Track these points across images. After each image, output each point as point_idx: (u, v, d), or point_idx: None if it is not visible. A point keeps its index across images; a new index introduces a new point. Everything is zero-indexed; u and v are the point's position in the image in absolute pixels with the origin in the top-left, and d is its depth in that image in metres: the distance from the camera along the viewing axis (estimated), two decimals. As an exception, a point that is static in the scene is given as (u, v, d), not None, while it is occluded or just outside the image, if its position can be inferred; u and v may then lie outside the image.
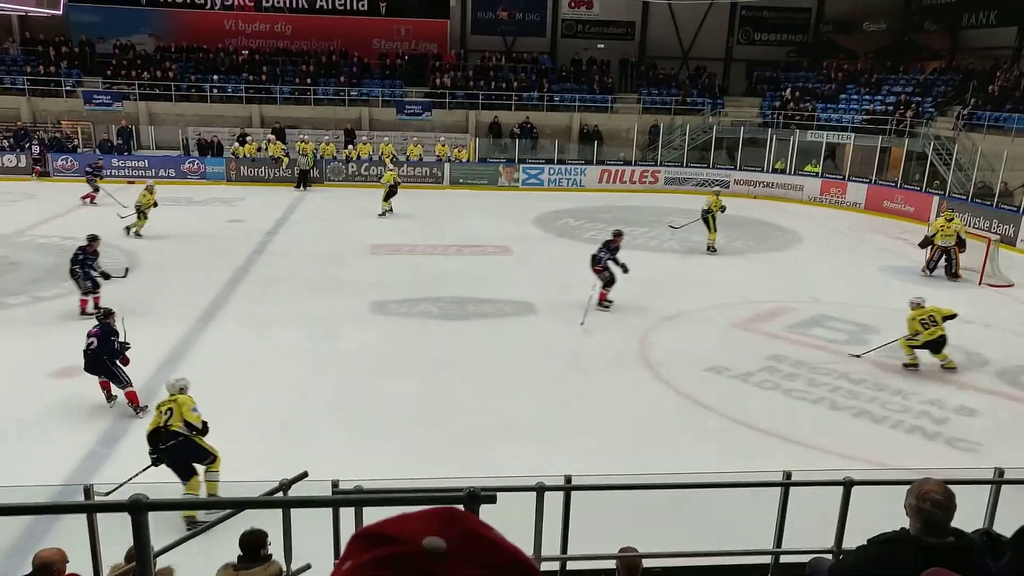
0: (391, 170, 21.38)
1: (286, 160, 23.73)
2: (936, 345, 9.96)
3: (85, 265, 11.32)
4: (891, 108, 25.81)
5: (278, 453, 7.40)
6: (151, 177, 23.42)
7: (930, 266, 15.29)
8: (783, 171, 24.91)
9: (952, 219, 15.29)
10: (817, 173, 24.16)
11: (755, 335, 11.44)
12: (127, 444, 7.63)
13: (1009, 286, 14.57)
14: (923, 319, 9.99)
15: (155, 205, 16.81)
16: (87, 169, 21.14)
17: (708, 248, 16.90)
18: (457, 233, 17.87)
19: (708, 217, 16.82)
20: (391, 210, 19.92)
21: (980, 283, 14.65)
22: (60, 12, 12.16)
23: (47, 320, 11.15)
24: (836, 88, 28.18)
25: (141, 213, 16.59)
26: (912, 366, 10.09)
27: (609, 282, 12.47)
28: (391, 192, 19.98)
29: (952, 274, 15.07)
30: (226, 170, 23.86)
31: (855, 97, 27.38)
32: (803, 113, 26.82)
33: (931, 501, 2.62)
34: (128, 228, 16.63)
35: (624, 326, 11.55)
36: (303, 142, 24.19)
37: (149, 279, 13.41)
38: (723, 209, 16.91)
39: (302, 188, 23.21)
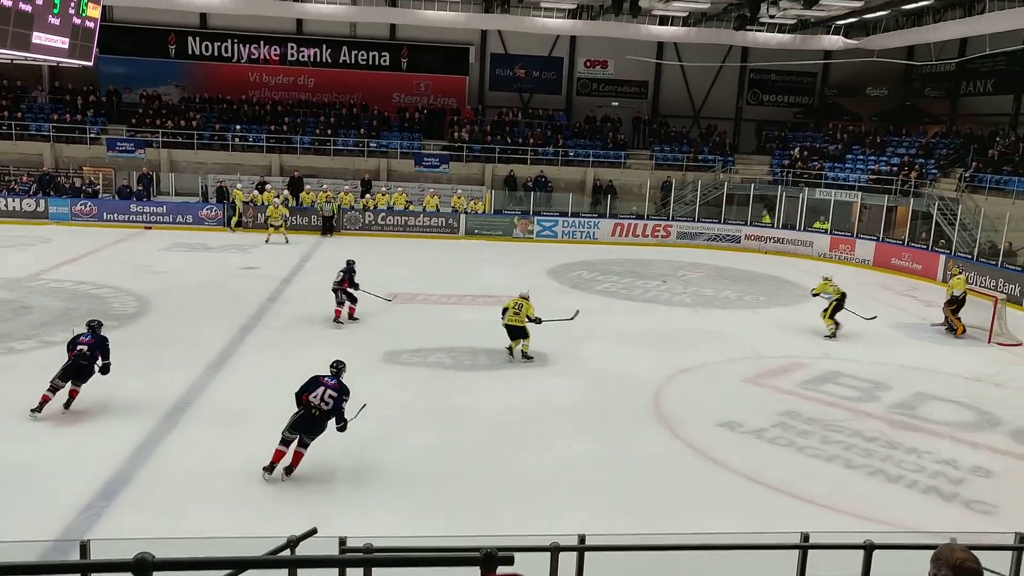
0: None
1: (283, 225, 23.06)
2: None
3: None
4: (896, 169, 26.22)
5: (286, 507, 7.40)
6: (166, 222, 23.83)
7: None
8: (771, 225, 25.29)
9: (954, 275, 15.80)
10: (826, 230, 24.37)
11: (767, 390, 11.46)
12: (127, 496, 7.52)
13: (1018, 345, 14.58)
14: None
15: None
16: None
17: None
18: (471, 283, 18.04)
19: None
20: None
21: (989, 342, 14.66)
22: (91, 63, 12.53)
23: (56, 365, 11.13)
24: (842, 148, 28.66)
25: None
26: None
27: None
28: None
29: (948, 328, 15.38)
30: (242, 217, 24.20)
31: (861, 157, 27.85)
32: (811, 172, 27.23)
33: (954, 567, 2.52)
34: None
35: (637, 379, 11.58)
36: (323, 191, 24.70)
37: (159, 325, 13.50)
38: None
39: (328, 235, 23.78)
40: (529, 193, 26.46)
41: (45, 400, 9.22)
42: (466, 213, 25.18)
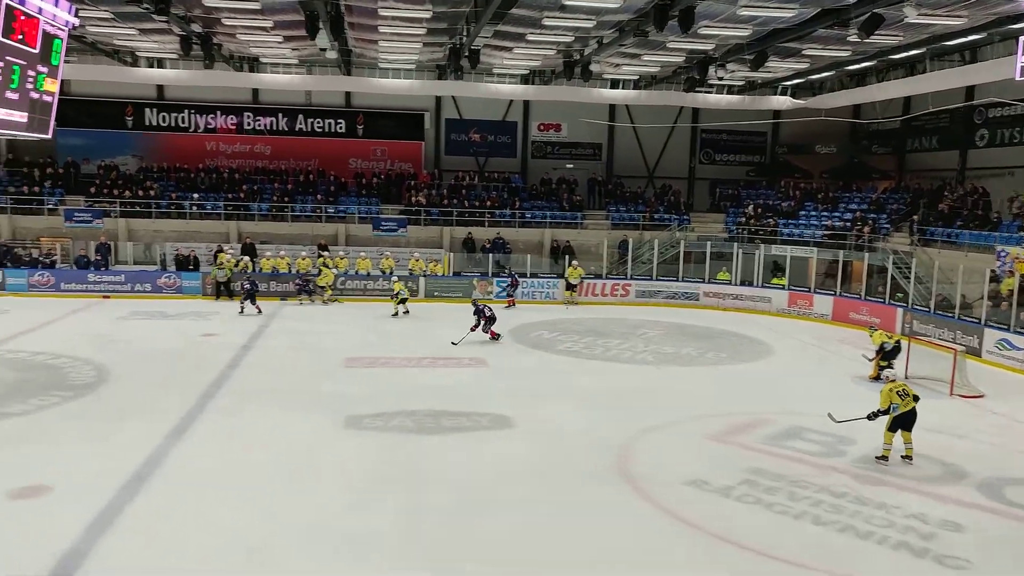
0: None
1: (216, 271, 23.58)
2: (908, 420, 10.71)
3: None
4: (849, 224, 26.96)
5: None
6: (124, 291, 23.39)
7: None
8: (728, 282, 25.54)
9: (872, 333, 16.47)
10: (784, 285, 24.80)
11: (732, 447, 11.41)
12: (87, 568, 7.25)
13: (979, 397, 14.77)
14: (899, 390, 10.83)
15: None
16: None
17: None
18: (432, 346, 17.89)
19: None
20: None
21: (951, 394, 14.87)
22: (49, 136, 12.44)
23: (11, 438, 10.76)
24: (795, 205, 29.44)
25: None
26: (883, 459, 10.77)
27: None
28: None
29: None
30: (202, 284, 23.89)
31: (814, 213, 28.60)
32: (766, 228, 27.87)
33: None
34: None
35: (602, 439, 11.47)
36: (222, 252, 24.42)
37: (118, 394, 13.16)
38: None
39: (221, 300, 23.05)
40: (487, 255, 26.60)
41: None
42: (425, 276, 25.17)
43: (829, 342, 20.09)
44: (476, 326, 18.17)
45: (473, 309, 18.55)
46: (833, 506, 9.27)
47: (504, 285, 24.63)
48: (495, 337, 18.49)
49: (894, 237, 25.90)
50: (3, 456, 10.04)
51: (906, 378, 15.86)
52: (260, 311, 21.35)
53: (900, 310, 21.06)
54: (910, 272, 21.85)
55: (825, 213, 28.40)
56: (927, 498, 9.70)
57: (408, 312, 21.90)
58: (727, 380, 15.93)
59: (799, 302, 24.11)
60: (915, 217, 25.61)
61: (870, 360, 16.15)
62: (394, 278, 22.91)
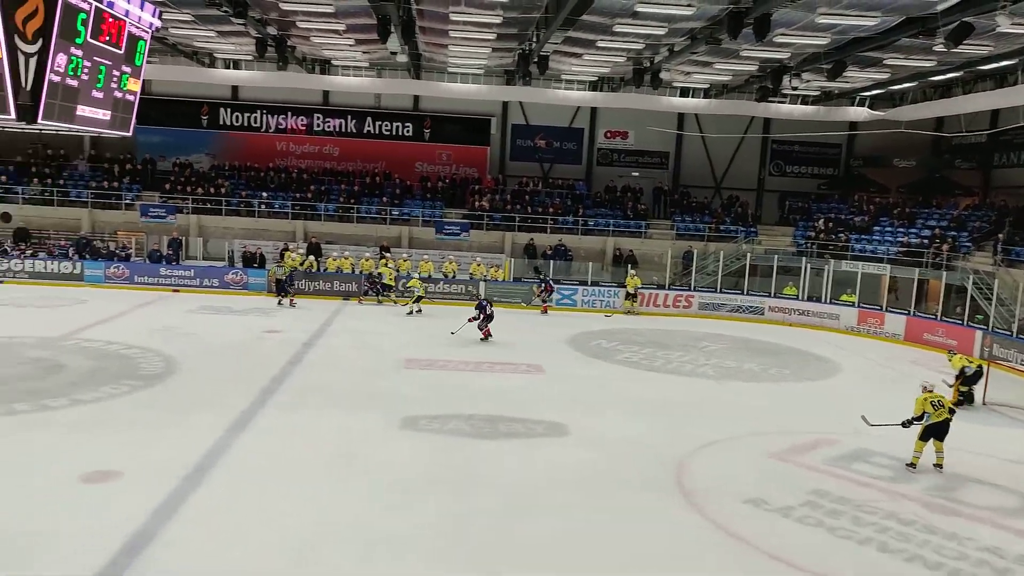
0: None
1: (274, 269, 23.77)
2: (941, 430, 10.96)
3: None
4: (926, 241, 25.88)
5: (305, 571, 7.31)
6: (193, 285, 24.14)
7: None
8: (795, 297, 24.84)
9: (951, 358, 15.60)
10: (853, 303, 24.00)
11: (794, 467, 11.06)
12: (152, 552, 7.47)
13: (1062, 426, 14.02)
14: (933, 400, 11.05)
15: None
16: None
17: None
18: (490, 350, 17.89)
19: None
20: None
21: (1031, 422, 14.14)
22: (130, 134, 12.92)
23: (84, 424, 11.18)
24: (869, 220, 28.44)
25: None
26: (911, 466, 11.07)
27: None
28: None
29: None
30: (267, 281, 24.46)
31: (889, 229, 27.56)
32: (837, 243, 27.01)
33: None
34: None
35: (659, 451, 11.27)
36: (288, 250, 24.95)
37: (184, 385, 13.57)
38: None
39: (282, 297, 22.82)
40: (549, 261, 26.50)
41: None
42: (485, 280, 25.22)
43: (900, 363, 19.34)
44: (474, 319, 18.74)
45: (476, 304, 19.39)
46: (901, 534, 8.88)
47: (540, 289, 24.61)
48: (487, 337, 18.77)
49: (975, 256, 24.75)
50: (76, 440, 10.44)
51: (983, 404, 15.19)
52: (293, 304, 22.28)
53: (979, 333, 20.13)
54: (992, 293, 20.85)
55: (901, 229, 27.36)
56: (1004, 531, 9.21)
57: (421, 311, 22.27)
58: (791, 397, 15.49)
59: (870, 320, 23.30)
60: (1000, 236, 24.44)
61: (950, 386, 15.40)
62: (415, 276, 23.33)
